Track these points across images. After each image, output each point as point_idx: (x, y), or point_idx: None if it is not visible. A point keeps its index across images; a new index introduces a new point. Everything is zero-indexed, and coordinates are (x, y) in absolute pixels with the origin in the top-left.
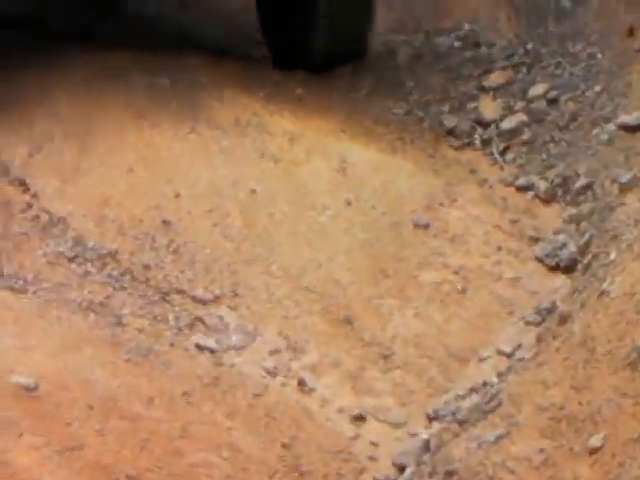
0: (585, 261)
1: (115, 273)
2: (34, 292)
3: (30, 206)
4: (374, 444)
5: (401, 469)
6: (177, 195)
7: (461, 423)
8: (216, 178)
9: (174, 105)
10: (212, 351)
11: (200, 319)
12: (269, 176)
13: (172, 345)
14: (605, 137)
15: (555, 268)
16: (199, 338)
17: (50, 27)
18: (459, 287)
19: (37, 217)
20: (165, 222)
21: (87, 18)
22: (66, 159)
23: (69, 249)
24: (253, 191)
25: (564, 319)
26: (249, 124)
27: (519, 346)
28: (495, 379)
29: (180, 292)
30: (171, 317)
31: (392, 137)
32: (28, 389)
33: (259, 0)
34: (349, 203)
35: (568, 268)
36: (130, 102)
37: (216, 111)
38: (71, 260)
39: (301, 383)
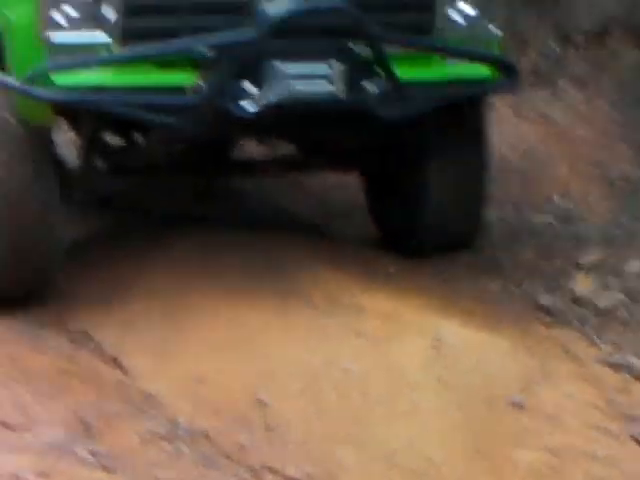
0: None
1: (208, 452)
2: (124, 471)
3: (123, 384)
4: None
5: None
6: (271, 374)
7: None
8: (310, 357)
9: (268, 282)
10: None
11: None
12: (363, 354)
13: None
14: None
15: None
16: None
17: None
18: (554, 466)
19: (130, 395)
20: (259, 401)
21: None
22: (159, 336)
23: (162, 428)
24: (347, 370)
25: None
26: (343, 302)
27: None
28: None
29: (273, 471)
30: None
31: (487, 314)
32: None
33: (367, 182)
34: (443, 381)
35: None
36: (224, 279)
37: (310, 289)
38: (163, 439)
39: None
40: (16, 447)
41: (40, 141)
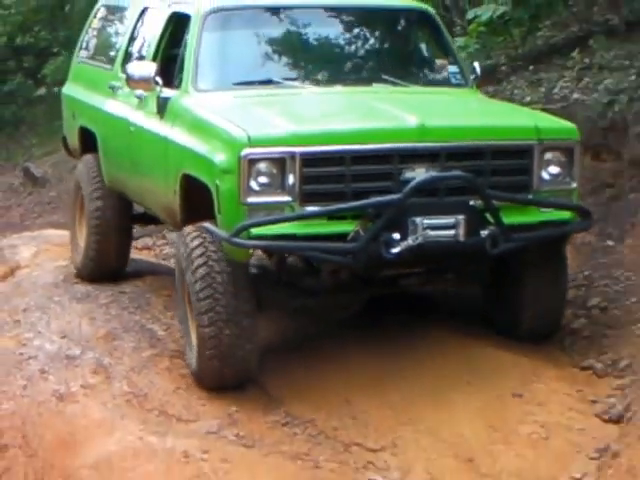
0: (628, 415)
1: (314, 433)
2: (259, 447)
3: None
4: None
5: None
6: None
7: None
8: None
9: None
10: None
11: (371, 462)
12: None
13: None
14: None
15: (608, 421)
16: (371, 475)
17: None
18: (544, 436)
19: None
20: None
21: None
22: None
23: (283, 419)
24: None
25: (615, 455)
26: None
27: (585, 474)
28: None
29: (358, 444)
30: (351, 461)
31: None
32: None
33: (483, 292)
34: (469, 382)
35: (617, 421)
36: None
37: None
38: (284, 425)
39: None
40: (185, 434)
41: (242, 272)
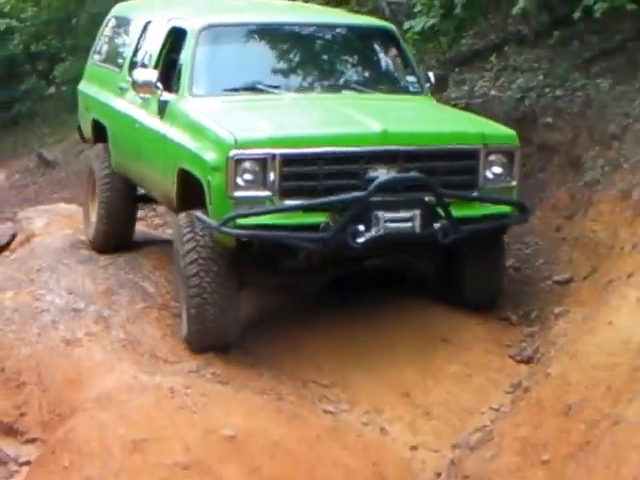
0: (537, 357)
1: (278, 373)
2: (232, 384)
3: None
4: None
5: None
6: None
7: (472, 449)
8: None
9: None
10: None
11: (325, 396)
12: None
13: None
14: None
15: (520, 361)
16: (325, 406)
17: None
18: (467, 372)
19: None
20: None
21: None
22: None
23: (252, 361)
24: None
25: (526, 390)
26: None
27: (502, 405)
28: (489, 423)
29: (314, 381)
30: (309, 395)
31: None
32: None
33: (434, 269)
34: None
35: (528, 361)
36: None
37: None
38: (253, 366)
39: (382, 430)
40: (171, 373)
41: (229, 254)
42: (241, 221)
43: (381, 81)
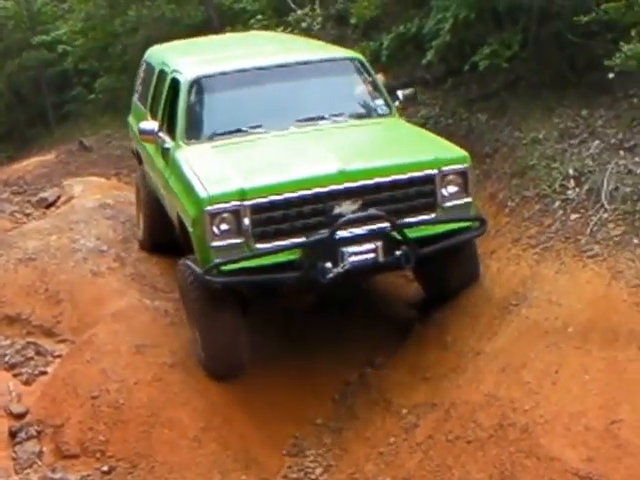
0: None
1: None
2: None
3: None
4: None
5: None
6: None
7: (376, 368)
8: None
9: None
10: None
11: None
12: None
13: None
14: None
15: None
16: None
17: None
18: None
19: None
20: None
21: None
22: None
23: None
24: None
25: (417, 331)
26: None
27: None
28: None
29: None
30: None
31: None
32: None
33: (420, 277)
34: None
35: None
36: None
37: None
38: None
39: None
40: (166, 299)
41: (227, 294)
42: (225, 267)
43: (353, 108)
